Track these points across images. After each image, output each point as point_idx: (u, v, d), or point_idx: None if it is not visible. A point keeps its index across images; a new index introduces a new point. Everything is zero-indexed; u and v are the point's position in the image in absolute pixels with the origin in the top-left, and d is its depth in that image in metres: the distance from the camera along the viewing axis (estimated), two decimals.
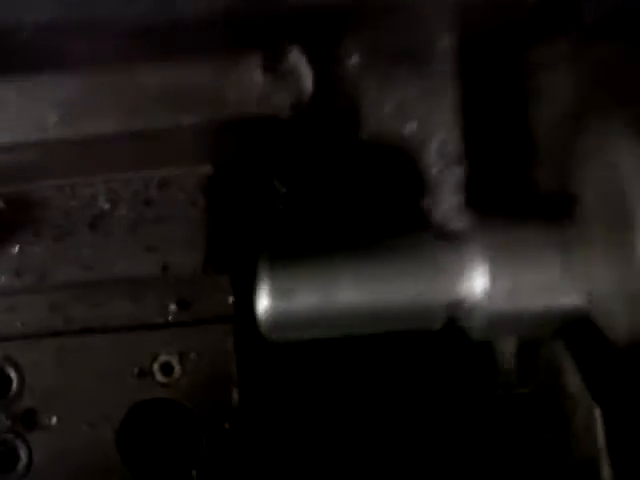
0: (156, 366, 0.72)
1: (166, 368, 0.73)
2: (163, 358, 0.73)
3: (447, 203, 0.61)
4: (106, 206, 0.72)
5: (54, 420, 0.72)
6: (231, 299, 0.72)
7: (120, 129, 0.64)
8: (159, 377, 0.72)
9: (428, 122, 0.62)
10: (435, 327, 0.62)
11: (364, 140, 0.63)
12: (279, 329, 0.62)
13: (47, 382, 0.73)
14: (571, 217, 0.59)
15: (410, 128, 0.62)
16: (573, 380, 0.64)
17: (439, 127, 0.62)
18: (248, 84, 0.62)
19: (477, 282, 0.58)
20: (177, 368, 0.72)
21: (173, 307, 0.73)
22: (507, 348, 0.69)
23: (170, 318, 0.73)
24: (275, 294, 0.61)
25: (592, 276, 0.57)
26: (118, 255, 0.71)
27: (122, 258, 0.71)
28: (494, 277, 0.58)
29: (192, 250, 0.71)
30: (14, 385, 0.73)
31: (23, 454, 0.72)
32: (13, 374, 0.73)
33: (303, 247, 0.64)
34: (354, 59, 0.61)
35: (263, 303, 0.62)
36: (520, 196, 0.65)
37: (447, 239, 0.61)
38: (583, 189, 0.59)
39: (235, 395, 0.71)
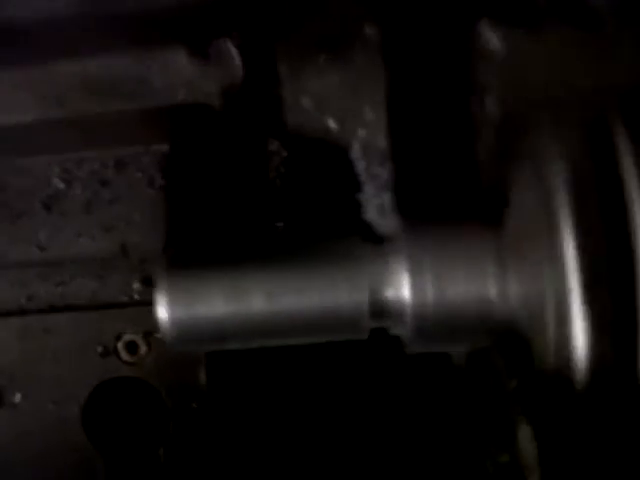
0: (121, 345, 0.71)
1: (131, 347, 0.71)
2: (128, 337, 0.71)
3: (373, 204, 0.58)
4: (61, 186, 0.68)
5: (18, 398, 0.71)
6: None
7: (40, 118, 0.60)
8: (124, 356, 0.71)
9: (350, 117, 0.58)
10: (363, 336, 0.57)
11: (289, 132, 0.59)
12: (182, 340, 0.57)
13: (11, 360, 0.71)
14: (503, 222, 0.54)
15: (332, 123, 0.58)
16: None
17: (362, 123, 0.57)
18: (174, 71, 0.58)
19: (402, 290, 0.54)
20: (143, 347, 0.71)
21: (137, 285, 0.71)
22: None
23: (135, 297, 0.71)
24: (174, 302, 0.56)
25: (524, 284, 0.52)
26: (74, 235, 0.69)
27: (78, 238, 0.69)
28: (419, 286, 0.53)
29: (151, 231, 0.68)
30: None
31: None
32: None
33: (208, 249, 0.59)
34: (277, 47, 0.57)
35: (162, 313, 0.56)
36: (451, 199, 0.61)
37: (373, 242, 0.56)
38: (514, 192, 0.54)
39: (202, 375, 0.71)
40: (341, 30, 0.56)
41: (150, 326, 0.70)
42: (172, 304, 0.55)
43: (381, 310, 0.55)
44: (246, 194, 0.68)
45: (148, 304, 0.70)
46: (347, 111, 0.57)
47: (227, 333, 0.56)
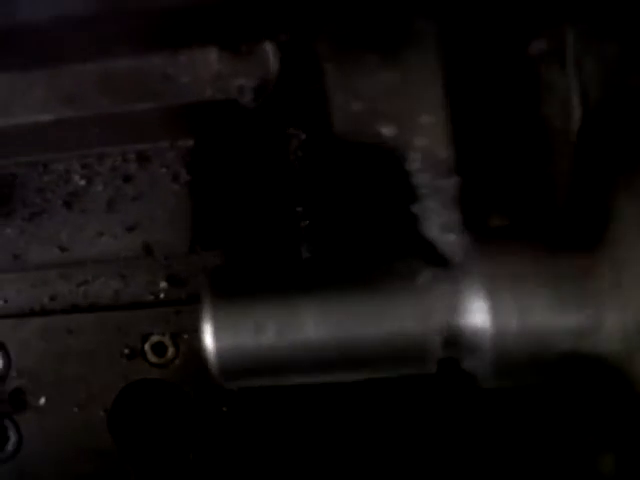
0: (148, 346, 0.68)
1: (159, 348, 0.68)
2: (155, 338, 0.68)
3: (438, 222, 0.50)
4: (81, 182, 0.64)
5: (42, 401, 0.68)
6: None
7: (62, 117, 0.56)
8: (151, 357, 0.68)
9: (406, 123, 0.50)
10: (429, 370, 0.51)
11: (337, 138, 0.52)
12: (231, 373, 0.51)
13: (34, 362, 0.68)
14: (599, 249, 0.48)
15: (386, 129, 0.50)
16: None
17: (420, 130, 0.50)
18: (202, 67, 0.53)
19: (480, 317, 0.48)
20: (170, 349, 0.67)
21: (164, 284, 0.67)
22: None
23: (161, 296, 0.67)
24: (221, 331, 0.50)
25: (622, 314, 0.46)
26: (96, 234, 0.65)
27: (101, 237, 0.65)
28: (500, 313, 0.47)
29: (176, 228, 0.64)
30: (0, 365, 0.68)
31: (12, 434, 0.69)
32: None
33: (255, 270, 0.53)
34: (321, 44, 0.50)
35: (208, 343, 0.50)
36: (527, 216, 0.55)
37: (439, 265, 0.50)
38: (617, 221, 0.48)
39: None
40: (393, 26, 0.49)
41: (178, 327, 0.67)
42: (219, 333, 0.50)
43: (455, 339, 0.49)
44: (271, 191, 0.64)
45: (175, 304, 0.67)
46: (403, 116, 0.50)
47: (280, 366, 0.50)
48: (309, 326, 0.49)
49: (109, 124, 0.57)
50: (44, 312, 0.68)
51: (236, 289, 0.51)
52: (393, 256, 0.50)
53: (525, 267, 0.48)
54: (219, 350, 0.50)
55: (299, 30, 0.50)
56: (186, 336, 0.67)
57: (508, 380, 0.51)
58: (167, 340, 0.67)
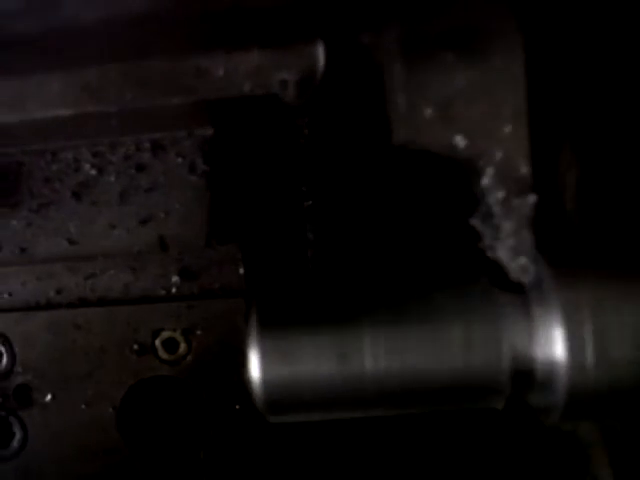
0: (158, 342, 0.65)
1: (170, 344, 0.65)
2: (166, 334, 0.65)
3: (510, 243, 0.45)
4: (92, 172, 0.61)
5: (49, 397, 0.65)
6: (241, 270, 0.63)
7: (86, 112, 0.52)
8: (162, 354, 0.65)
9: (484, 133, 0.45)
10: (496, 405, 0.47)
11: (397, 147, 0.46)
12: (279, 407, 0.47)
13: (40, 357, 0.65)
14: None
15: (460, 139, 0.45)
16: None
17: (499, 141, 0.45)
18: (239, 61, 0.49)
19: (555, 349, 0.44)
20: (182, 345, 0.64)
21: (176, 279, 0.64)
22: None
23: (173, 291, 0.64)
24: (268, 362, 0.46)
25: None
26: (108, 227, 0.61)
27: (112, 230, 0.61)
28: (578, 345, 0.43)
29: (192, 222, 0.61)
30: (4, 360, 0.65)
31: (17, 431, 0.66)
32: (2, 348, 0.65)
33: (303, 293, 0.48)
34: (387, 40, 0.44)
35: (254, 374, 0.46)
36: (610, 236, 0.51)
37: (510, 289, 0.46)
38: None
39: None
40: (473, 22, 0.43)
41: (190, 322, 0.64)
42: (266, 364, 0.46)
43: (526, 372, 0.45)
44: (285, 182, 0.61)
45: (187, 298, 0.64)
46: (480, 124, 0.45)
47: (332, 399, 0.46)
48: (367, 357, 0.45)
49: (128, 115, 0.54)
50: (50, 306, 0.65)
51: (286, 315, 0.47)
52: (460, 279, 0.46)
53: (608, 296, 0.44)
54: (266, 382, 0.46)
55: (352, 25, 0.46)
56: (199, 332, 0.64)
57: (579, 417, 0.48)
58: (178, 336, 0.65)
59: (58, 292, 0.65)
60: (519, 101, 0.45)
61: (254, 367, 0.46)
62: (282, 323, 0.47)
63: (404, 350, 0.45)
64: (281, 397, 0.46)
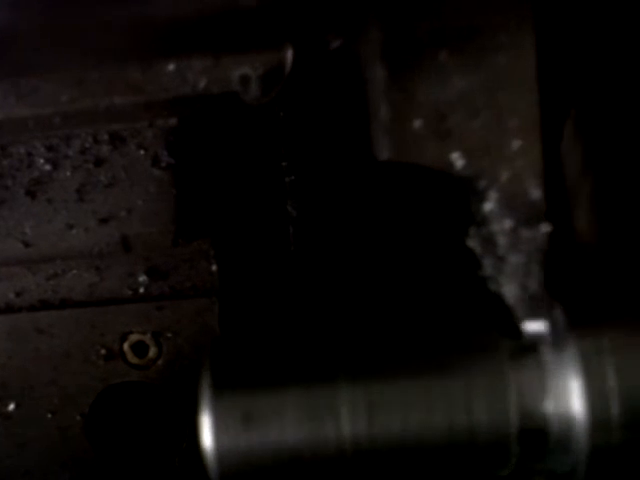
0: (127, 346, 0.59)
1: (139, 348, 0.59)
2: (135, 337, 0.59)
3: (518, 279, 0.37)
4: (46, 167, 0.55)
5: (12, 407, 0.60)
6: (214, 267, 0.58)
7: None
8: (131, 358, 0.59)
9: (487, 149, 0.37)
10: (502, 472, 0.40)
11: (381, 164, 0.38)
12: (236, 476, 0.39)
13: (1, 365, 0.59)
14: None
15: (457, 157, 0.36)
16: None
17: (505, 158, 0.36)
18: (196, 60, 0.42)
19: (571, 403, 0.37)
20: (152, 349, 0.59)
21: (143, 278, 0.58)
22: None
23: (141, 291, 0.58)
24: (224, 427, 0.38)
25: None
26: (65, 227, 0.55)
27: (70, 230, 0.55)
28: (599, 397, 0.36)
29: (157, 219, 0.55)
30: None
31: None
32: None
33: (273, 340, 0.40)
34: (368, 41, 0.36)
35: (207, 441, 0.39)
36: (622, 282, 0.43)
37: (517, 334, 0.38)
38: None
39: None
40: (472, 14, 0.34)
41: (160, 325, 0.59)
42: (221, 431, 0.38)
43: (538, 431, 0.38)
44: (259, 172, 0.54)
45: (156, 299, 0.59)
46: (482, 139, 0.36)
47: (301, 470, 0.38)
48: (344, 419, 0.37)
49: (71, 115, 0.47)
50: (10, 309, 0.59)
51: (245, 371, 0.39)
52: (457, 318, 0.40)
53: (633, 342, 0.37)
54: (221, 452, 0.39)
55: (320, 26, 0.38)
56: (169, 334, 0.59)
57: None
58: (148, 339, 0.59)
59: (18, 294, 0.59)
60: (530, 109, 0.37)
61: (206, 434, 0.39)
62: (240, 381, 0.39)
63: (389, 409, 0.37)
64: (238, 470, 0.39)
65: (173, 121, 0.53)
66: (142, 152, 0.54)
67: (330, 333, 0.40)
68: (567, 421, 0.38)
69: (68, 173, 0.55)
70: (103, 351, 0.59)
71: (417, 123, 0.37)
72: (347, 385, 0.37)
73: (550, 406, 0.38)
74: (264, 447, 0.38)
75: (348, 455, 0.38)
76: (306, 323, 0.43)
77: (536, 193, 0.37)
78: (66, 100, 0.45)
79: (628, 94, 0.44)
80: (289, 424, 0.37)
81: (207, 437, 0.39)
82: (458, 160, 0.37)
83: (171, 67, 0.43)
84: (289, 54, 0.40)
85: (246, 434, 0.38)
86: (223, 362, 0.40)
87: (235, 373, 0.40)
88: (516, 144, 0.37)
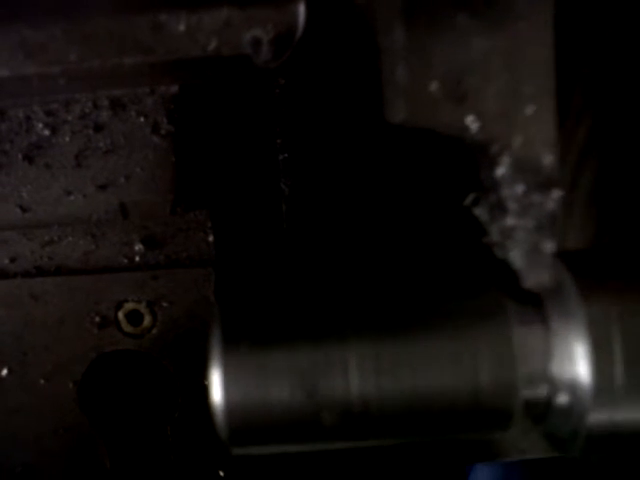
0: (122, 314, 0.58)
1: (134, 317, 0.58)
2: (130, 306, 0.58)
3: (526, 245, 0.37)
4: (45, 132, 0.54)
5: (4, 372, 0.59)
6: (211, 238, 0.57)
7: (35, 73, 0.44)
8: (126, 327, 0.59)
9: (501, 113, 0.36)
10: (504, 429, 0.39)
11: (392, 126, 0.37)
12: (245, 435, 0.38)
13: None
14: None
15: (472, 120, 0.36)
16: None
17: (519, 123, 0.36)
18: (204, 15, 0.41)
19: (577, 368, 0.37)
20: (147, 317, 0.58)
21: (139, 247, 0.57)
22: None
23: (137, 260, 0.57)
24: (234, 383, 0.37)
25: None
26: (63, 193, 0.54)
27: (68, 197, 0.54)
28: (604, 362, 0.36)
29: (156, 187, 0.54)
30: None
31: None
32: None
33: (283, 297, 0.39)
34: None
35: (217, 398, 0.38)
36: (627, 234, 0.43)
37: (524, 298, 0.38)
38: None
39: None
40: None
41: (155, 294, 0.58)
42: (231, 386, 0.38)
43: (543, 395, 0.38)
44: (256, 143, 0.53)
45: (152, 268, 0.58)
46: (498, 104, 0.36)
47: (309, 427, 0.38)
48: (353, 377, 0.36)
49: (77, 76, 0.46)
50: (4, 275, 0.58)
51: (255, 328, 0.38)
52: (464, 282, 0.39)
53: (638, 311, 0.37)
54: (231, 407, 0.38)
55: None
56: (164, 303, 0.58)
57: (606, 449, 0.39)
58: (143, 308, 0.58)
59: (12, 260, 0.58)
60: (546, 76, 0.36)
61: (216, 390, 0.38)
62: (251, 337, 0.38)
63: (397, 369, 0.37)
64: (248, 425, 0.38)
65: (174, 88, 0.52)
66: (142, 119, 0.53)
67: (340, 292, 0.39)
68: (571, 386, 0.38)
69: (67, 138, 0.53)
70: (97, 319, 0.58)
71: (433, 85, 0.37)
72: (356, 343, 0.37)
73: (555, 370, 0.38)
74: (272, 404, 0.37)
75: (354, 413, 0.37)
76: (311, 285, 0.42)
77: (548, 158, 0.37)
78: (74, 59, 0.44)
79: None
80: (298, 382, 0.37)
81: (217, 392, 0.38)
82: (473, 124, 0.37)
83: (181, 27, 0.42)
84: (302, 15, 0.39)
85: (256, 389, 0.38)
86: (233, 317, 0.39)
87: (246, 328, 0.39)
88: (530, 109, 0.37)
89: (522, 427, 0.40)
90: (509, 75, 0.37)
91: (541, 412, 0.39)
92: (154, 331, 0.58)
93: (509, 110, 0.37)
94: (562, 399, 0.38)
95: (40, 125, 0.53)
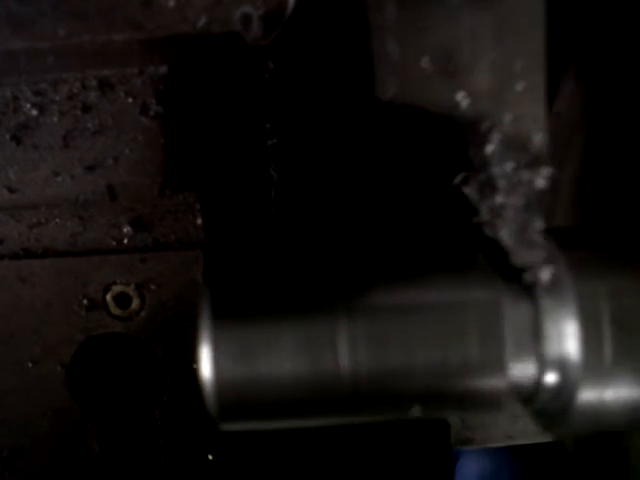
0: (109, 297, 0.58)
1: (122, 299, 0.58)
2: (118, 288, 0.58)
3: (516, 223, 0.36)
4: (33, 112, 0.53)
5: None
6: (199, 221, 0.56)
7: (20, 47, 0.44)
8: (114, 310, 0.58)
9: (491, 89, 0.36)
10: (497, 408, 0.38)
11: (384, 103, 0.37)
12: (235, 411, 0.38)
13: None
14: None
15: (463, 96, 0.35)
16: None
17: (509, 100, 0.36)
18: None
19: (566, 346, 0.36)
20: (135, 300, 0.58)
21: (127, 229, 0.57)
22: None
23: (125, 242, 0.57)
24: (224, 358, 0.37)
25: None
26: (50, 174, 0.54)
27: (56, 177, 0.54)
28: (594, 340, 0.36)
29: (144, 169, 0.54)
30: None
31: None
32: None
33: (272, 271, 0.39)
34: None
35: (206, 372, 0.38)
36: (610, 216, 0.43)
37: (515, 279, 0.38)
38: None
39: None
40: None
41: (143, 276, 0.58)
42: (220, 361, 0.37)
43: (531, 372, 0.38)
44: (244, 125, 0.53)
45: (140, 251, 0.58)
46: (488, 80, 0.35)
47: (299, 402, 0.37)
48: (342, 353, 0.36)
49: (66, 52, 0.46)
50: None
51: (244, 302, 0.38)
52: (453, 258, 0.39)
53: (628, 286, 0.36)
54: (220, 383, 0.37)
55: None
56: (153, 286, 0.58)
57: (595, 427, 0.39)
58: (131, 290, 0.58)
59: (0, 242, 0.57)
60: (536, 53, 0.36)
61: (205, 365, 0.38)
62: (239, 312, 0.38)
63: (387, 345, 0.36)
64: (238, 401, 0.38)
65: (163, 69, 0.51)
66: (131, 100, 0.53)
67: (329, 265, 0.39)
68: (560, 363, 0.38)
69: (55, 119, 0.53)
70: (85, 301, 0.58)
71: (424, 61, 0.36)
72: (346, 318, 0.37)
73: (544, 348, 0.38)
74: (262, 379, 0.37)
75: (344, 388, 0.37)
76: (299, 260, 0.42)
77: (538, 136, 0.36)
78: (64, 34, 0.43)
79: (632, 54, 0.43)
80: (287, 356, 0.37)
81: (206, 368, 0.38)
82: (463, 100, 0.36)
83: (171, 3, 0.42)
84: None
85: (245, 366, 0.37)
86: (222, 293, 0.39)
87: (234, 304, 0.39)
88: (520, 86, 0.36)
89: (511, 411, 0.40)
90: (499, 51, 0.36)
91: (530, 390, 0.39)
92: (142, 314, 0.58)
93: (500, 86, 0.37)
94: (551, 377, 0.38)
95: (28, 105, 0.52)
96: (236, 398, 0.38)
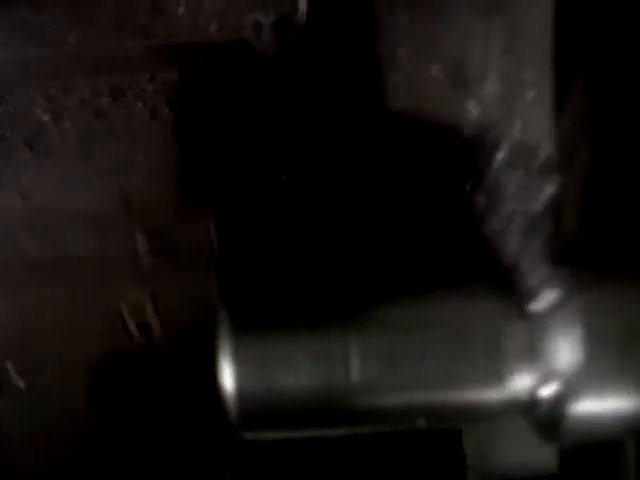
0: (123, 305, 0.58)
1: (136, 308, 0.58)
2: (132, 295, 0.57)
3: (523, 238, 0.36)
4: (45, 118, 0.52)
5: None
6: (212, 228, 0.56)
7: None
8: (127, 317, 0.58)
9: (501, 98, 0.35)
10: (495, 416, 0.40)
11: (393, 113, 0.36)
12: (255, 422, 0.40)
13: None
14: None
15: (473, 105, 0.35)
16: None
17: (519, 108, 0.34)
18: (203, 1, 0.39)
19: (566, 359, 0.36)
20: (149, 308, 0.57)
21: (141, 237, 0.56)
22: None
23: (138, 250, 0.56)
24: (243, 371, 0.38)
25: None
26: (64, 181, 0.53)
27: (69, 185, 0.53)
28: (597, 359, 0.36)
29: (157, 176, 0.53)
30: None
31: None
32: None
33: (286, 287, 0.40)
34: None
35: (228, 385, 0.39)
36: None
37: (519, 292, 0.37)
38: None
39: None
40: None
41: (157, 284, 0.57)
42: (242, 374, 0.38)
43: (538, 387, 0.38)
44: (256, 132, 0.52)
45: (154, 259, 0.57)
46: (498, 88, 0.34)
47: (313, 412, 0.39)
48: (354, 367, 0.36)
49: (77, 59, 0.45)
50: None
51: (261, 317, 0.39)
52: (458, 271, 0.38)
53: (632, 302, 0.36)
54: (242, 394, 0.38)
55: None
56: (167, 294, 0.57)
57: (595, 436, 0.40)
58: (146, 299, 0.57)
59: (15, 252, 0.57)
60: (545, 61, 0.35)
61: (227, 378, 0.39)
62: (256, 327, 0.39)
63: (396, 358, 0.37)
64: (257, 411, 0.39)
65: (174, 75, 0.51)
66: (142, 106, 0.52)
67: (341, 281, 0.39)
68: (561, 374, 0.37)
69: (67, 125, 0.52)
70: (100, 308, 0.57)
71: (435, 69, 0.35)
72: (357, 334, 0.38)
73: (545, 359, 0.38)
74: (279, 391, 0.38)
75: (358, 399, 0.38)
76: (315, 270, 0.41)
77: (547, 144, 0.36)
78: (74, 41, 0.43)
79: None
80: (301, 371, 0.38)
81: (227, 379, 0.39)
82: (474, 108, 0.35)
83: (181, 10, 0.41)
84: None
85: (263, 379, 0.38)
86: (241, 308, 0.40)
87: (251, 320, 0.39)
88: (530, 94, 0.35)
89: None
90: (510, 59, 0.35)
91: (529, 402, 0.39)
92: (156, 322, 0.58)
93: (510, 94, 0.36)
94: (551, 388, 0.38)
95: (39, 111, 0.52)
96: (256, 409, 0.39)
